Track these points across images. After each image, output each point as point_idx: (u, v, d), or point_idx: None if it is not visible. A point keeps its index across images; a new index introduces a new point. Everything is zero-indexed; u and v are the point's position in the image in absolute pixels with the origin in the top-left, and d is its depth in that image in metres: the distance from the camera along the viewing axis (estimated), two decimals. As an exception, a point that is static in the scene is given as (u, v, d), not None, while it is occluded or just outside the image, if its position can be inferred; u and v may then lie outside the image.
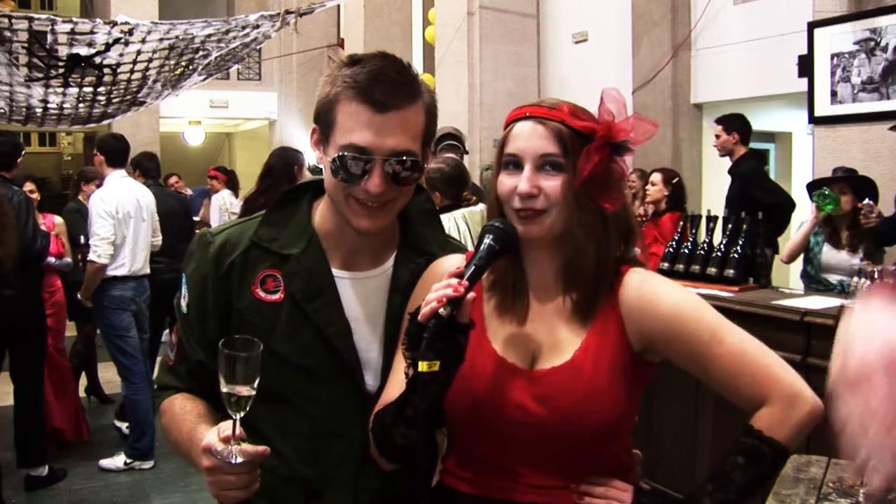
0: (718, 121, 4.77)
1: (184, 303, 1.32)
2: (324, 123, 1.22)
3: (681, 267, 3.48)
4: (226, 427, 1.08)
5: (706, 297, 3.08)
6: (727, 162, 4.85)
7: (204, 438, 1.10)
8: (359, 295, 1.29)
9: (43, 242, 3.95)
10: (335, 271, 1.28)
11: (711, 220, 3.52)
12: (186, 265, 1.33)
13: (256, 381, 1.09)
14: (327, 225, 1.29)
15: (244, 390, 1.08)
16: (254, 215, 1.36)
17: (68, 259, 4.65)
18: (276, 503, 1.27)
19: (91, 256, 4.17)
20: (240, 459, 1.07)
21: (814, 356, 2.72)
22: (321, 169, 1.26)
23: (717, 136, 4.72)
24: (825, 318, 2.73)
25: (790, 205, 4.46)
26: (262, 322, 1.23)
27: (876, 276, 3.06)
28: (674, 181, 4.93)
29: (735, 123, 4.66)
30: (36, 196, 4.96)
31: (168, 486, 4.02)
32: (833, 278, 3.82)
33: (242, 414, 1.09)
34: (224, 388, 1.08)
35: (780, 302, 2.98)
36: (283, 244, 1.28)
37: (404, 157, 1.18)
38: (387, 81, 1.17)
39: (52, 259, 4.34)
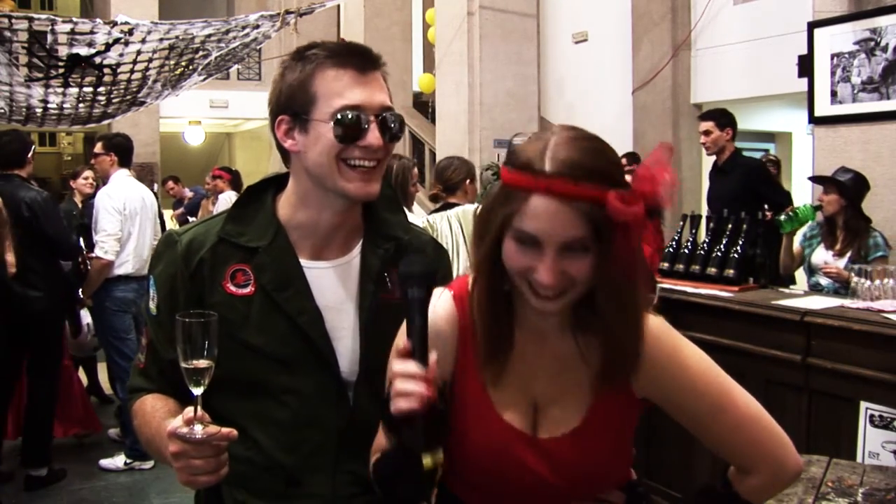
0: (707, 116, 4.57)
1: (152, 304, 1.32)
2: (299, 104, 1.24)
3: (681, 267, 3.47)
4: (189, 411, 1.10)
5: (706, 297, 3.12)
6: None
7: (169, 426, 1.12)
8: (329, 283, 1.31)
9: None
10: (304, 261, 1.30)
11: (711, 219, 3.51)
12: (153, 267, 1.34)
13: (215, 353, 1.10)
14: (297, 216, 1.31)
15: (202, 363, 1.10)
16: (218, 213, 1.38)
17: None
18: (256, 493, 1.28)
19: (97, 252, 4.14)
20: (200, 435, 1.08)
21: (814, 356, 2.72)
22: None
23: (708, 133, 4.50)
24: (825, 318, 2.72)
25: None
26: (234, 316, 1.25)
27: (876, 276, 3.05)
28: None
29: (727, 119, 4.52)
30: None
31: (168, 486, 4.01)
32: (822, 280, 3.70)
33: (203, 389, 1.10)
34: (182, 363, 1.10)
35: (780, 302, 2.98)
36: (251, 238, 1.30)
37: (391, 113, 1.25)
38: (356, 50, 1.26)
39: None
